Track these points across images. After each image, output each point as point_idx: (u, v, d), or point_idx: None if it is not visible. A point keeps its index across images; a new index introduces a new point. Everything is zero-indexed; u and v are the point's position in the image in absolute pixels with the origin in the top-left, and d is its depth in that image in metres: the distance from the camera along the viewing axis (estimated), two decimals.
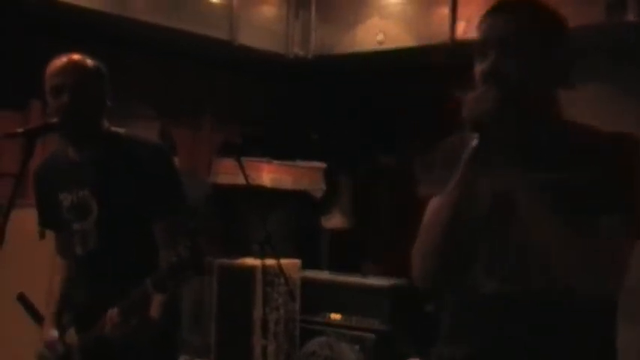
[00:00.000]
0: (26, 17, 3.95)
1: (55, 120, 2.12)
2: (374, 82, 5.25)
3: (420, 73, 4.88)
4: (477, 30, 1.55)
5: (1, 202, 1.98)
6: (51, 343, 2.28)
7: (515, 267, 1.47)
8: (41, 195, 2.39)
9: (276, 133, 5.24)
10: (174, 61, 4.83)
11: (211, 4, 4.45)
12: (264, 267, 4.00)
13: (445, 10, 4.34)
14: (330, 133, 5.38)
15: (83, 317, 2.25)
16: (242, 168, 3.75)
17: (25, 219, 2.33)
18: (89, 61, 2.23)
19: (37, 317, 2.45)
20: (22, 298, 2.48)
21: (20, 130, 2.04)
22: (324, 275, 4.98)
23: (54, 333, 2.30)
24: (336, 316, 4.71)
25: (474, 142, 1.44)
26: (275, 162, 4.80)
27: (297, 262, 4.78)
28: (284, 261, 3.94)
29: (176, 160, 3.48)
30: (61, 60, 2.20)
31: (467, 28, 4.25)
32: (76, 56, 2.22)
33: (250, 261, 4.54)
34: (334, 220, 5.36)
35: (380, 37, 4.61)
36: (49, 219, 2.38)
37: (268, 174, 4.72)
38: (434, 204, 1.60)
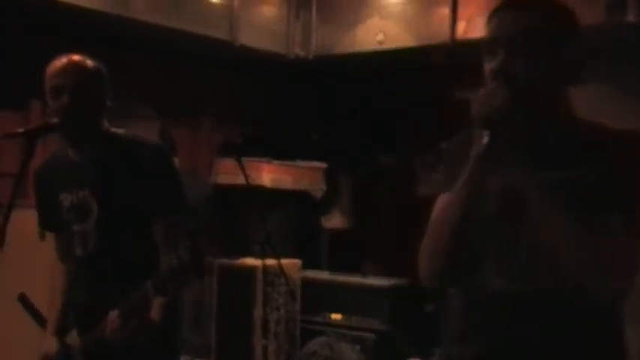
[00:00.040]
0: (26, 17, 3.95)
1: (55, 120, 2.12)
2: (374, 82, 5.25)
3: (420, 73, 4.88)
4: (486, 27, 1.53)
5: (1, 203, 1.98)
6: (49, 356, 2.28)
7: (525, 266, 1.47)
8: (41, 196, 2.39)
9: (276, 133, 5.24)
10: (174, 61, 4.83)
11: (211, 4, 4.45)
12: (265, 267, 3.99)
13: (445, 10, 4.34)
14: (330, 133, 5.38)
15: (84, 318, 2.25)
16: (242, 168, 3.75)
17: (26, 220, 2.33)
18: (89, 62, 2.23)
19: (37, 318, 2.45)
20: (23, 299, 2.48)
21: (20, 130, 2.04)
22: (324, 275, 4.98)
23: (53, 346, 2.30)
24: (336, 316, 4.72)
25: (484, 140, 1.42)
26: (275, 162, 4.80)
27: (297, 262, 4.78)
28: (284, 261, 3.94)
29: (176, 160, 3.49)
30: (61, 61, 2.20)
31: (467, 28, 4.26)
32: (75, 57, 2.22)
33: (250, 261, 4.54)
34: (334, 220, 5.36)
35: (380, 37, 4.61)
36: (49, 220, 2.38)
37: (268, 174, 4.72)
38: (441, 202, 1.58)
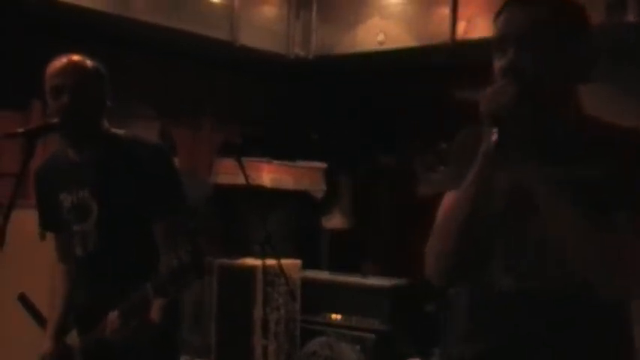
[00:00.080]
0: (26, 17, 3.95)
1: (55, 120, 2.12)
2: (374, 82, 5.26)
3: (420, 73, 4.88)
4: (494, 25, 1.51)
5: (1, 203, 1.98)
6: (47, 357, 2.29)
7: (533, 263, 1.46)
8: (41, 196, 2.39)
9: (276, 133, 5.24)
10: (174, 61, 4.83)
11: (212, 4, 4.45)
12: (265, 267, 4.00)
13: (446, 10, 4.34)
14: (330, 133, 5.38)
15: (84, 318, 2.25)
16: (242, 168, 3.75)
17: (26, 220, 2.33)
18: (89, 62, 2.23)
19: (37, 318, 2.45)
20: (23, 299, 2.48)
21: (21, 130, 2.04)
22: (324, 275, 4.98)
23: (49, 347, 2.30)
24: (336, 316, 4.72)
25: (493, 137, 1.41)
26: (275, 162, 4.81)
27: (297, 262, 4.78)
28: (284, 261, 3.94)
29: (176, 160, 3.49)
30: (61, 61, 2.20)
31: (467, 29, 4.26)
32: (75, 57, 2.21)
33: (251, 261, 4.54)
34: (334, 221, 5.37)
35: (380, 37, 4.61)
36: (50, 220, 2.38)
37: (268, 174, 4.72)
38: (448, 200, 1.57)
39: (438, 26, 4.38)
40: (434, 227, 1.56)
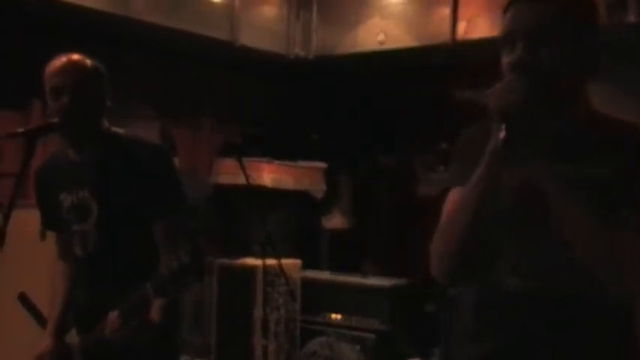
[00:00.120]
0: (26, 17, 3.95)
1: (55, 120, 2.12)
2: (374, 82, 5.26)
3: (420, 73, 4.88)
4: (502, 20, 1.49)
5: (1, 203, 1.98)
6: (44, 356, 2.28)
7: (541, 263, 1.45)
8: (42, 196, 2.39)
9: (276, 133, 5.24)
10: (174, 61, 4.83)
11: (212, 4, 4.45)
12: (265, 267, 4.00)
13: (446, 11, 4.34)
14: (330, 133, 5.38)
15: (84, 318, 2.25)
16: (243, 168, 3.74)
17: (26, 219, 2.33)
18: (88, 62, 2.23)
19: (38, 317, 2.45)
20: (23, 298, 2.48)
21: (21, 130, 2.04)
22: (324, 275, 4.98)
23: (47, 345, 2.30)
24: (336, 316, 4.72)
25: (501, 134, 1.38)
26: (276, 162, 4.81)
27: (297, 262, 4.78)
28: (284, 261, 3.94)
29: (176, 160, 3.48)
30: (61, 60, 2.19)
31: (468, 29, 4.26)
32: (75, 56, 2.21)
33: (251, 261, 4.54)
34: (334, 221, 5.37)
35: (381, 37, 4.61)
36: (50, 220, 2.38)
37: (269, 174, 4.72)
38: (454, 197, 1.55)
39: (438, 26, 4.38)
40: (438, 226, 1.53)
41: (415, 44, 4.51)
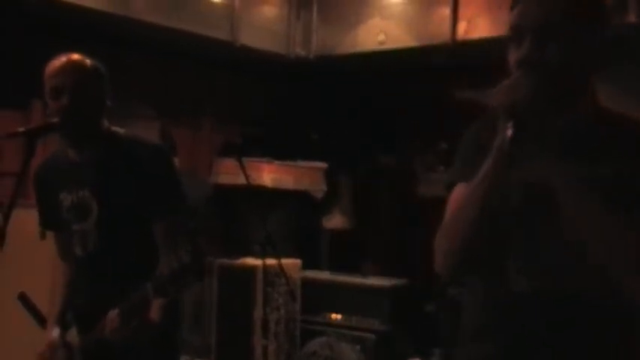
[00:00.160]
0: (26, 17, 3.95)
1: (55, 120, 2.12)
2: (374, 82, 5.26)
3: (420, 74, 4.88)
4: (510, 15, 1.48)
5: (1, 202, 1.98)
6: (52, 344, 2.28)
7: (548, 262, 1.43)
8: (41, 195, 2.39)
9: (276, 133, 5.25)
10: (174, 61, 4.83)
11: (212, 4, 4.45)
12: (265, 267, 4.00)
13: (446, 11, 4.34)
14: (330, 133, 5.38)
15: (84, 318, 2.25)
16: (243, 168, 3.74)
17: (26, 219, 2.33)
18: (88, 62, 2.23)
19: (38, 317, 2.45)
20: (23, 298, 2.48)
21: (21, 129, 2.04)
22: (324, 275, 4.98)
23: (56, 333, 2.30)
24: (336, 317, 4.72)
25: (508, 131, 1.35)
26: (276, 162, 4.81)
27: (297, 262, 4.78)
28: (284, 261, 3.94)
29: (176, 160, 3.48)
30: (60, 60, 2.19)
31: (468, 29, 4.26)
32: (74, 56, 2.21)
33: (251, 261, 4.54)
34: (334, 221, 5.37)
35: (381, 37, 4.61)
36: (50, 219, 2.38)
37: (269, 174, 4.72)
38: (458, 193, 1.53)
39: (438, 26, 4.38)
40: (443, 222, 1.51)
41: (415, 44, 4.51)
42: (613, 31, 1.47)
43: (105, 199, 2.23)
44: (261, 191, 4.44)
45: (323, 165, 5.13)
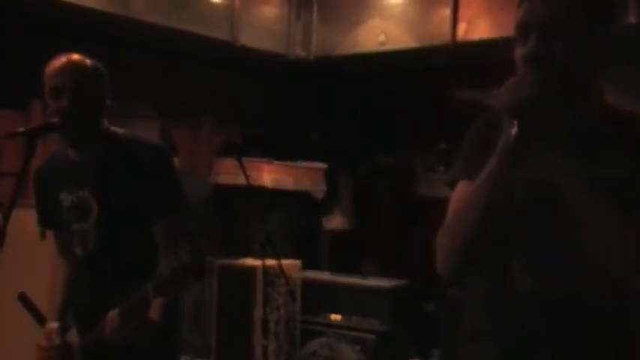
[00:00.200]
0: (26, 17, 3.95)
1: (55, 120, 2.12)
2: (374, 82, 5.26)
3: (420, 74, 4.89)
4: (517, 12, 1.47)
5: (1, 202, 1.98)
6: (49, 333, 2.28)
7: (552, 262, 1.42)
8: (41, 195, 2.39)
9: (276, 133, 5.25)
10: (174, 61, 4.83)
11: (212, 4, 4.45)
12: (265, 267, 3.99)
13: (446, 11, 4.34)
14: (330, 133, 5.38)
15: (84, 318, 2.25)
16: (243, 168, 3.74)
17: (26, 219, 2.33)
18: (88, 62, 2.23)
19: (38, 317, 2.45)
20: (23, 298, 2.48)
21: (21, 129, 2.04)
22: (324, 276, 4.98)
23: (53, 324, 2.30)
24: (336, 317, 4.72)
25: (513, 130, 1.34)
26: (276, 162, 4.81)
27: (297, 262, 4.78)
28: (284, 261, 3.93)
29: (176, 160, 3.49)
30: (60, 60, 2.19)
31: (468, 29, 4.26)
32: (74, 57, 2.21)
33: (251, 261, 4.54)
34: (334, 221, 5.37)
35: (381, 38, 4.61)
36: (49, 219, 2.38)
37: (269, 174, 4.72)
38: (461, 193, 1.52)
39: (438, 27, 4.38)
40: (445, 221, 1.50)
41: (415, 45, 4.51)
42: (613, 31, 1.47)
43: (105, 199, 2.23)
44: (261, 191, 4.43)
45: (323, 165, 5.13)
